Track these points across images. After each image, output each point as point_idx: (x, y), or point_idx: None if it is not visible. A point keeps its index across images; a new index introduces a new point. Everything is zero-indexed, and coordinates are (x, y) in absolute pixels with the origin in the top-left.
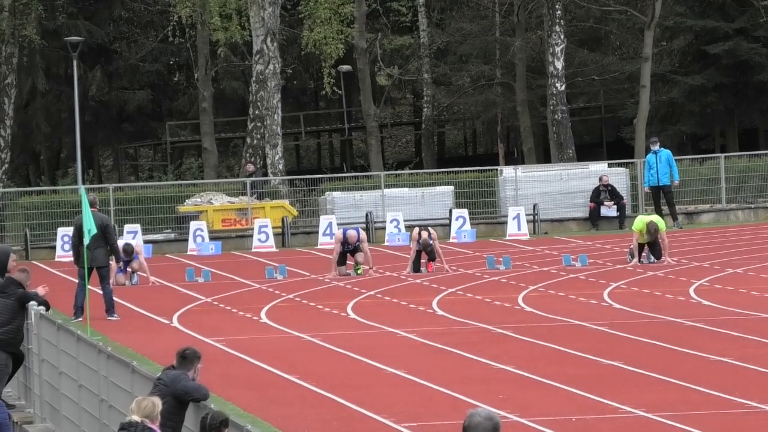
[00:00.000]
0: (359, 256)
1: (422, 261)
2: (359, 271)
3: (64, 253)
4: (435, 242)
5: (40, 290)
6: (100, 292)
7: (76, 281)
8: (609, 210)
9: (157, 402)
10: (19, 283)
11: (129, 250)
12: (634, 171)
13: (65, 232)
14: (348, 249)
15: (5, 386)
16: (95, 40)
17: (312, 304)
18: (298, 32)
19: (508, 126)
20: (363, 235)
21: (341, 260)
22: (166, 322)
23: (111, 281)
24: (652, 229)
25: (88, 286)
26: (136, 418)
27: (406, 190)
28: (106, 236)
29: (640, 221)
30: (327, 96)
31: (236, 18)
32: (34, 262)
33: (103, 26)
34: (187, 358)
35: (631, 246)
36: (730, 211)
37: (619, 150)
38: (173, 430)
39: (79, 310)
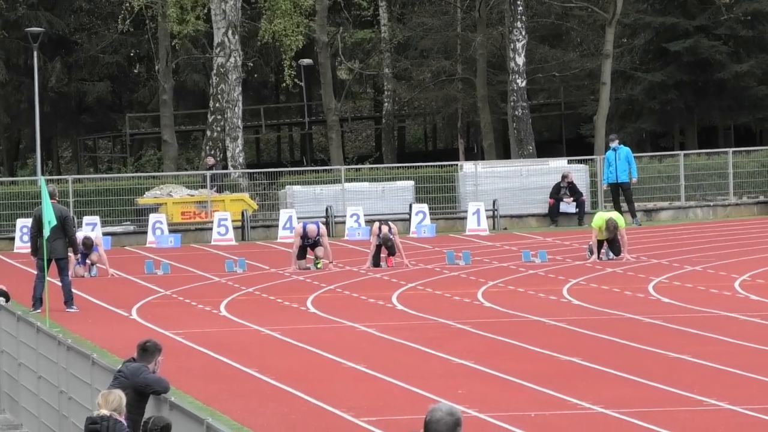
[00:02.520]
0: (319, 251)
1: (382, 255)
2: (319, 266)
3: (23, 244)
4: (395, 237)
5: None
6: (59, 283)
7: (35, 273)
8: (568, 206)
9: (122, 395)
10: None
11: (89, 244)
12: (593, 168)
13: (24, 224)
14: (308, 243)
15: None
16: (56, 31)
17: (271, 297)
18: (260, 25)
19: (469, 121)
20: (323, 229)
21: (301, 254)
22: (126, 314)
23: (70, 273)
24: (611, 226)
25: (47, 278)
26: (105, 412)
27: (366, 184)
28: (65, 228)
29: (600, 218)
30: (288, 89)
31: (195, 10)
32: None
33: (64, 17)
34: (148, 350)
35: (591, 242)
36: (689, 209)
37: (579, 147)
38: (134, 423)
39: (37, 301)
